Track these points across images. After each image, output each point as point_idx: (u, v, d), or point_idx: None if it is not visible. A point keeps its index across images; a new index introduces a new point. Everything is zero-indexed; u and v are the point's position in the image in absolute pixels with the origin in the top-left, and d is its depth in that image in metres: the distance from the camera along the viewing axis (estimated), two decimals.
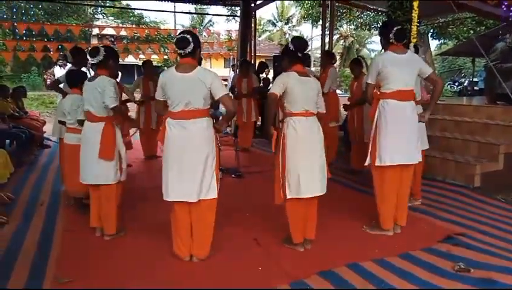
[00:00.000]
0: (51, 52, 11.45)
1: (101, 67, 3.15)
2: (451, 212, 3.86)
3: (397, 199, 3.27)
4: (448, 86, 18.62)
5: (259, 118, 7.31)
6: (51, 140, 7.38)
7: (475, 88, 13.48)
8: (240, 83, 6.69)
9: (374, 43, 32.13)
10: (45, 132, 7.68)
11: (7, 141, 6.06)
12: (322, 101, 3.02)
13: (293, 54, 2.89)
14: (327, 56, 6.21)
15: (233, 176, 5.19)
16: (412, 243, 3.11)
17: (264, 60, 9.61)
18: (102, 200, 3.18)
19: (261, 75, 8.64)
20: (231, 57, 17.63)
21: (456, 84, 18.88)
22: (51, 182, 4.88)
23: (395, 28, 3.15)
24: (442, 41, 20.97)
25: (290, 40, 3.12)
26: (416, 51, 3.83)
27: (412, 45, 3.99)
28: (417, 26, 4.84)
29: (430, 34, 17.70)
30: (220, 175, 4.86)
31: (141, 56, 14.98)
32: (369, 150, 3.28)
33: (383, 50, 3.47)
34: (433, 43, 22.50)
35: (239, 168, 5.37)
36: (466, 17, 13.81)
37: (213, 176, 2.77)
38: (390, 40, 3.17)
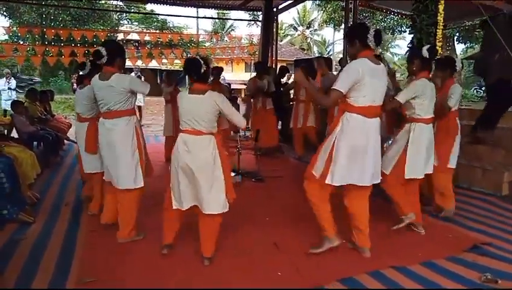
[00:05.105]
0: (78, 57, 11.79)
1: (85, 78, 3.77)
2: (477, 220, 3.75)
3: (356, 221, 2.96)
4: (475, 90, 18.09)
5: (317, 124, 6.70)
6: (74, 141, 7.52)
7: None
8: (299, 88, 6.47)
9: (398, 47, 31.74)
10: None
11: (35, 143, 6.26)
12: (213, 122, 2.78)
13: (188, 75, 2.83)
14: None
15: (253, 180, 5.20)
16: (436, 252, 3.03)
17: (285, 65, 9.58)
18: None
19: (282, 80, 8.57)
20: (252, 61, 17.74)
21: (483, 89, 18.31)
22: (76, 183, 4.99)
23: (372, 30, 2.70)
24: (468, 45, 20.48)
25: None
26: (435, 54, 3.38)
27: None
28: (442, 30, 4.71)
29: (456, 37, 17.33)
30: (238, 179, 4.96)
31: (164, 60, 15.22)
32: (320, 164, 2.82)
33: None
34: (459, 47, 21.96)
35: (259, 172, 5.37)
36: None
37: (132, 167, 3.11)
38: (369, 43, 2.71)
